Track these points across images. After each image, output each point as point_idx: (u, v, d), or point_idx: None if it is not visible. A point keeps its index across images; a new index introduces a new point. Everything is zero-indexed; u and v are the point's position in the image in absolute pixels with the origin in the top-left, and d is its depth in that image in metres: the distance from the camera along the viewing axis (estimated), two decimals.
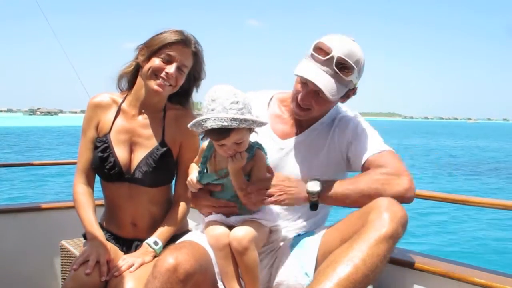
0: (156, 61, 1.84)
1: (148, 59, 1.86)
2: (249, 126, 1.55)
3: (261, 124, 1.58)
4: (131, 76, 1.98)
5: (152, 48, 1.85)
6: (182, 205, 1.96)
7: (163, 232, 1.88)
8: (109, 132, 1.93)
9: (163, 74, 1.83)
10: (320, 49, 1.69)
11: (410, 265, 1.82)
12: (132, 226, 1.96)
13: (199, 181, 1.73)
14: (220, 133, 1.53)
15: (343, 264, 1.39)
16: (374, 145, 1.77)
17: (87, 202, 1.92)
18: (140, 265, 1.75)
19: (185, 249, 1.51)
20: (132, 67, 1.95)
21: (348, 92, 1.77)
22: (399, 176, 1.64)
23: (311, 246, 1.71)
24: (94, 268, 1.66)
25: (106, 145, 1.91)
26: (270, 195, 1.64)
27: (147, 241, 1.84)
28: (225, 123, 1.49)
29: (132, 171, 1.90)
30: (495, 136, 76.42)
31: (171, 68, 1.83)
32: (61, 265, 2.38)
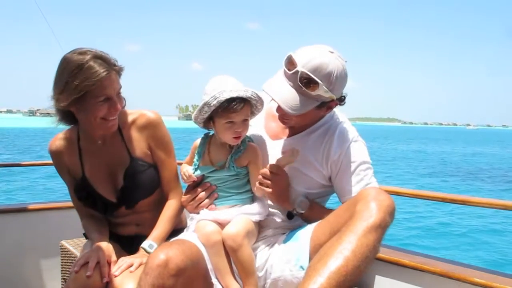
0: (98, 108, 1.70)
1: (83, 107, 1.71)
2: (257, 102, 1.71)
3: (262, 103, 1.73)
4: (67, 120, 1.84)
5: (85, 96, 1.67)
6: (174, 202, 1.94)
7: (158, 234, 1.87)
8: (83, 174, 1.90)
9: (111, 115, 1.74)
10: (290, 62, 1.68)
11: (410, 265, 1.82)
12: (135, 226, 1.98)
13: (193, 173, 1.79)
14: (238, 102, 1.65)
15: (333, 257, 1.40)
16: (361, 187, 1.76)
17: (92, 228, 1.92)
18: (139, 265, 1.74)
19: (175, 245, 1.53)
20: (61, 116, 1.80)
21: (329, 104, 1.73)
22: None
23: (303, 239, 1.71)
24: (94, 269, 1.66)
25: (87, 190, 1.89)
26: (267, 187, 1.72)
27: (142, 245, 1.84)
28: (242, 94, 1.64)
29: (121, 197, 1.89)
30: (493, 142, 76.61)
31: (115, 105, 1.72)
32: (61, 265, 2.38)
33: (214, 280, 1.64)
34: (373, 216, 1.44)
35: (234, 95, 1.63)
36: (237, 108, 1.65)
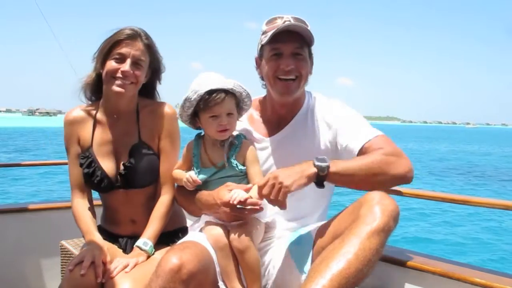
0: (110, 64, 1.83)
1: (102, 64, 1.86)
2: (241, 94, 1.71)
3: (249, 97, 1.75)
4: (95, 87, 1.97)
5: (103, 52, 1.85)
6: (167, 198, 1.96)
7: (151, 231, 1.88)
8: (91, 145, 1.94)
9: (119, 74, 1.82)
10: (273, 23, 1.79)
11: (410, 265, 1.82)
12: (131, 223, 1.98)
13: (197, 178, 1.77)
14: (218, 93, 1.65)
15: (336, 259, 1.39)
16: (367, 131, 1.78)
17: (83, 214, 1.93)
18: (135, 265, 1.75)
19: (188, 250, 1.53)
20: (93, 77, 1.94)
21: (312, 56, 1.87)
22: (399, 157, 1.67)
23: (306, 242, 1.72)
24: (88, 269, 1.66)
25: (90, 159, 1.91)
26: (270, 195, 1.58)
27: (136, 243, 1.85)
28: (222, 85, 1.65)
29: (120, 178, 1.91)
30: (492, 141, 76.82)
31: (125, 66, 1.82)
32: (61, 265, 2.39)
33: (220, 283, 1.64)
34: (377, 220, 1.44)
35: (214, 86, 1.64)
36: (218, 99, 1.65)
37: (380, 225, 1.44)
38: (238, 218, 1.66)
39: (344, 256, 1.39)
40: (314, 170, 1.59)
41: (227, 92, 1.67)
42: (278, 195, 1.54)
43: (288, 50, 1.77)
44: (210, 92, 1.65)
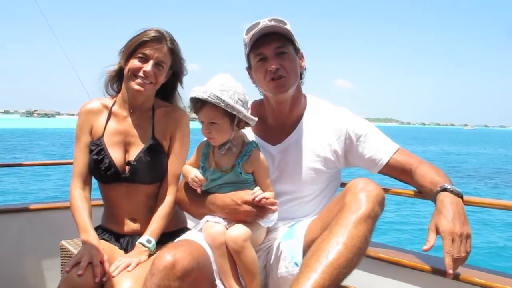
0: (133, 62, 1.90)
1: (126, 61, 1.93)
2: (225, 107, 1.62)
3: (244, 116, 1.67)
4: (117, 80, 2.05)
5: (128, 50, 1.92)
6: (170, 199, 1.97)
7: (154, 229, 1.89)
8: (102, 135, 1.97)
9: (141, 73, 1.89)
10: (251, 30, 1.82)
11: (410, 265, 1.83)
12: (132, 221, 1.99)
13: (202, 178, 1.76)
14: (194, 103, 1.66)
15: (325, 251, 1.40)
16: (388, 144, 1.87)
17: (82, 206, 1.93)
18: (137, 265, 1.75)
19: (182, 247, 1.53)
20: (115, 72, 2.02)
21: (300, 52, 1.90)
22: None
23: (298, 235, 1.73)
24: (86, 269, 1.66)
25: (100, 147, 1.95)
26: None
27: (139, 240, 1.86)
28: (200, 94, 1.61)
29: (127, 170, 1.94)
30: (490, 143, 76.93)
31: (147, 66, 1.88)
32: (61, 265, 2.38)
33: (217, 282, 1.64)
34: (362, 207, 1.45)
35: (193, 94, 1.65)
36: (195, 107, 1.67)
37: (366, 212, 1.44)
38: (257, 216, 1.69)
39: (333, 247, 1.40)
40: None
41: (205, 101, 1.63)
42: (466, 248, 1.50)
43: (270, 52, 1.80)
44: (192, 99, 1.67)
